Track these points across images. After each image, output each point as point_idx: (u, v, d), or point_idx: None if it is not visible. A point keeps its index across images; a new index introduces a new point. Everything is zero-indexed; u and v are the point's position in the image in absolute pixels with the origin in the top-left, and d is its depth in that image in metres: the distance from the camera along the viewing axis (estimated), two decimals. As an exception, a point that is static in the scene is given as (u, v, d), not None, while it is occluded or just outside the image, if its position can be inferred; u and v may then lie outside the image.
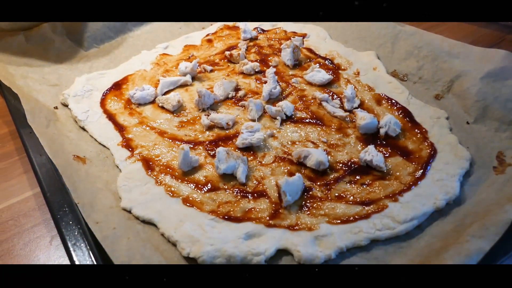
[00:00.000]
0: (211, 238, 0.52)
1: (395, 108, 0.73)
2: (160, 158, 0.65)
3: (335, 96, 0.77)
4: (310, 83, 0.81)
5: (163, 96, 0.76)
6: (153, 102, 0.77)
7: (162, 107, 0.75)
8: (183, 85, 0.81)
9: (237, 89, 0.80)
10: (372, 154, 0.62)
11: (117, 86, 0.80)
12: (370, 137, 0.68)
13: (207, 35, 0.98)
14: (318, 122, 0.72)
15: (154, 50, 0.93)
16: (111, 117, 0.73)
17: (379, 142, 0.67)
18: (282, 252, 0.52)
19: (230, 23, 1.01)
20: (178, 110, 0.75)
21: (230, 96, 0.78)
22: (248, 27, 0.96)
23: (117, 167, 0.64)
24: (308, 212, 0.56)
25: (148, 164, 0.63)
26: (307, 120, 0.72)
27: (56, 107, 0.75)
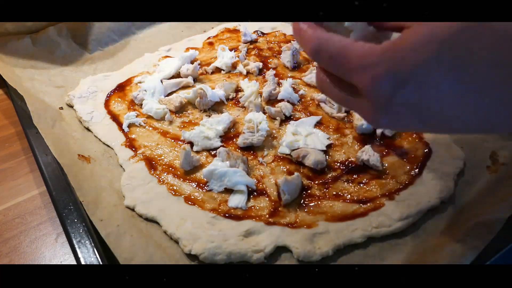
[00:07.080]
0: (212, 235, 0.53)
1: (392, 109, 0.74)
2: (162, 157, 0.66)
3: (333, 98, 0.78)
4: (308, 85, 0.82)
5: (166, 97, 0.77)
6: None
7: (165, 108, 0.77)
8: (185, 87, 0.83)
9: (237, 90, 0.81)
10: (369, 153, 0.63)
11: (121, 88, 0.82)
12: (367, 137, 0.69)
13: (208, 38, 0.99)
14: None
15: (157, 52, 0.94)
16: (115, 117, 0.74)
17: (376, 142, 0.68)
18: (281, 249, 0.53)
19: (231, 26, 1.02)
20: (180, 111, 0.76)
21: (230, 97, 0.79)
22: (248, 30, 0.97)
23: (121, 166, 0.65)
24: (307, 210, 0.57)
25: (151, 163, 0.65)
26: (306, 121, 0.73)
27: (62, 107, 0.77)
